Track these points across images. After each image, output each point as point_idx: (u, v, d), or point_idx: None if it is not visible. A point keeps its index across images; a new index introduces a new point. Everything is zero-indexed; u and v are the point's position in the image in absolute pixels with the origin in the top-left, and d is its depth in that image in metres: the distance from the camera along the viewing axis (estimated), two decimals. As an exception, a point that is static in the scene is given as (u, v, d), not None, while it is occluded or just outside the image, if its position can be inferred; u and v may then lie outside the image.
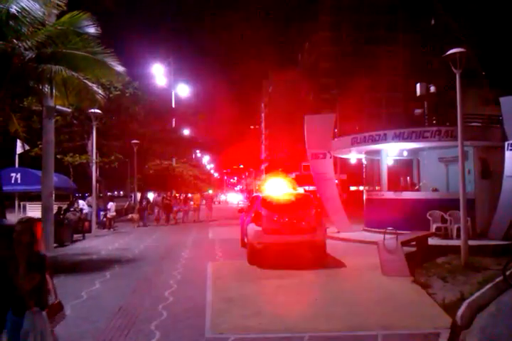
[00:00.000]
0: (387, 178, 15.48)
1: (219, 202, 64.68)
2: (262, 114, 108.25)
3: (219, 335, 5.19)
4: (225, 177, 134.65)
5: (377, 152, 15.73)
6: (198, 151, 60.33)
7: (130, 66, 12.41)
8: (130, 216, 22.77)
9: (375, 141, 14.70)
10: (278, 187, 11.18)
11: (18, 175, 15.51)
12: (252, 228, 9.79)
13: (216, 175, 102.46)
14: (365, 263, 9.58)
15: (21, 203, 16.94)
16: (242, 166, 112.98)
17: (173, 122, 38.67)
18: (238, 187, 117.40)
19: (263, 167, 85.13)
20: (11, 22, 10.56)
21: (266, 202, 10.06)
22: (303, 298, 6.90)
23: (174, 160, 39.25)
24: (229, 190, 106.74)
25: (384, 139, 14.46)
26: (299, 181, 23.19)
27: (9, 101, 11.31)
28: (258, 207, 9.98)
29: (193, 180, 43.89)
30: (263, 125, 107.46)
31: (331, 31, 66.76)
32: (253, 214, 10.01)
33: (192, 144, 46.61)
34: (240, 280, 8.25)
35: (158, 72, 36.39)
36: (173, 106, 39.82)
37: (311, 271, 8.95)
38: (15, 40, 10.48)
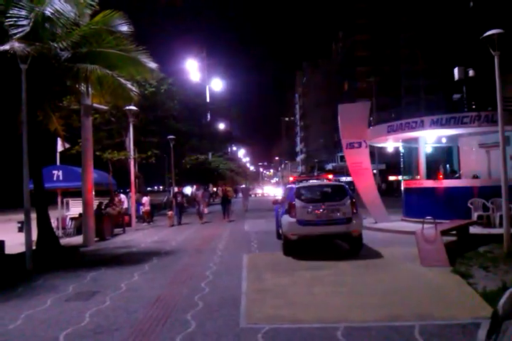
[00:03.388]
0: (426, 166, 15.09)
1: (255, 195, 64.90)
2: (297, 106, 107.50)
3: (253, 325, 5.23)
4: (261, 170, 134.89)
5: (415, 140, 15.34)
6: (233, 145, 60.61)
7: (164, 62, 12.61)
8: (169, 213, 20.44)
9: (412, 128, 14.34)
10: (312, 178, 11.10)
11: (60, 173, 16.03)
12: (286, 219, 9.78)
13: (252, 168, 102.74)
14: (403, 254, 9.41)
15: (64, 199, 17.55)
16: (277, 158, 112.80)
17: (208, 116, 39.01)
18: (274, 180, 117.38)
19: (298, 158, 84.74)
20: (46, 24, 10.91)
21: (300, 193, 10.01)
22: (338, 288, 6.85)
23: (210, 154, 39.66)
24: (265, 183, 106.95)
25: (421, 126, 14.07)
26: (334, 172, 22.97)
27: (48, 100, 11.69)
28: (292, 198, 9.95)
29: (229, 173, 44.27)
30: (297, 116, 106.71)
31: (367, 18, 65.27)
32: (287, 206, 9.99)
33: (227, 138, 46.90)
34: (274, 271, 8.28)
35: (192, 68, 36.73)
36: (208, 100, 40.11)
37: (346, 262, 8.87)
38: (51, 42, 10.84)
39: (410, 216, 14.71)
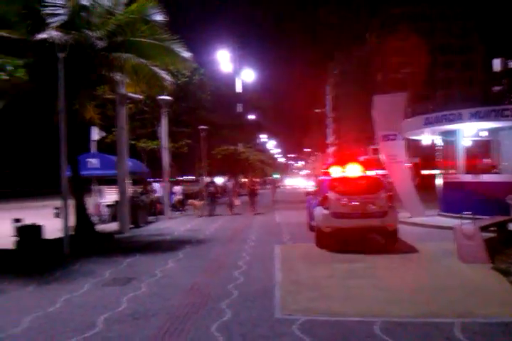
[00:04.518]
0: (464, 160, 14.63)
1: (285, 187, 64.80)
2: (328, 97, 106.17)
3: (288, 316, 5.19)
4: (290, 162, 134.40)
5: (453, 133, 14.87)
6: (263, 136, 60.52)
7: (196, 53, 12.55)
8: (190, 201, 20.62)
9: (449, 120, 13.89)
10: (346, 171, 10.92)
11: (95, 161, 16.34)
12: (320, 211, 9.66)
13: (281, 159, 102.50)
14: (440, 249, 9.16)
15: (99, 187, 17.89)
16: (307, 150, 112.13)
17: (239, 107, 39.01)
18: (303, 172, 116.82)
19: (330, 150, 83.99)
20: (82, 13, 11.03)
21: (334, 185, 9.86)
22: (373, 282, 6.72)
23: (240, 145, 39.72)
24: (294, 175, 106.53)
25: (459, 119, 13.62)
26: (368, 165, 22.57)
27: (85, 89, 11.87)
28: (326, 190, 9.81)
29: (259, 164, 44.27)
30: (328, 108, 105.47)
31: (403, 8, 63.58)
32: (321, 198, 9.87)
33: (257, 129, 46.87)
34: (308, 263, 8.21)
35: (223, 58, 36.64)
36: (239, 91, 40.08)
37: (382, 256, 8.71)
38: (87, 31, 10.96)
39: (447, 211, 14.32)
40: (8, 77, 8.17)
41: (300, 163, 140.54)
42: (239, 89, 38.60)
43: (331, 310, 5.40)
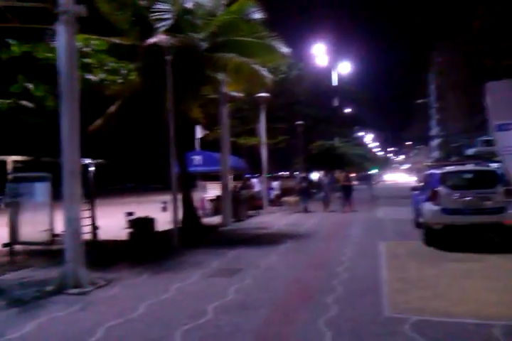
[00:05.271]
0: None
1: (384, 182, 62.51)
2: (431, 86, 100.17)
3: (399, 315, 4.98)
4: (390, 156, 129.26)
5: None
6: (361, 129, 58.85)
7: (291, 46, 12.51)
8: (283, 199, 20.78)
9: None
10: (456, 163, 10.21)
11: (199, 157, 17.16)
12: (429, 207, 9.14)
13: (380, 153, 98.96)
14: None
15: (202, 182, 18.74)
16: (408, 143, 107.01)
17: (336, 101, 38.32)
18: (404, 166, 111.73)
19: (434, 143, 79.34)
20: (186, 16, 11.57)
21: (444, 179, 9.26)
22: (490, 283, 6.20)
23: (337, 139, 39.03)
24: (394, 169, 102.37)
25: None
26: (478, 157, 20.88)
27: (191, 89, 12.45)
28: (435, 184, 9.25)
29: (356, 159, 43.15)
30: (432, 98, 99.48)
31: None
32: (430, 193, 9.32)
33: (355, 122, 45.66)
34: (416, 261, 7.82)
35: (319, 51, 36.20)
36: (335, 84, 39.37)
37: (497, 256, 8.00)
38: (191, 33, 11.48)
39: None
40: (123, 81, 8.85)
41: (401, 157, 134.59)
42: (335, 82, 37.92)
43: (444, 310, 5.09)
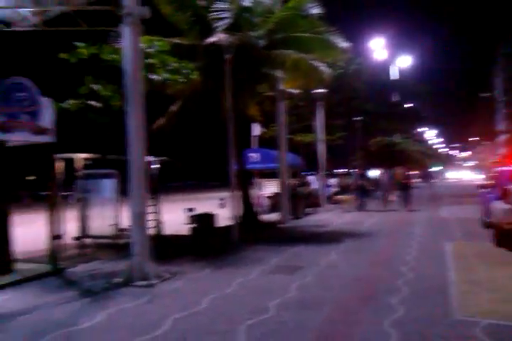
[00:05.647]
0: None
1: (446, 180, 59.94)
2: (498, 79, 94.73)
3: (468, 318, 4.76)
4: (453, 152, 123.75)
5: None
6: (422, 125, 56.68)
7: (349, 41, 12.27)
8: (337, 197, 20.68)
9: None
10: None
11: (256, 155, 17.25)
12: (499, 206, 8.64)
13: (443, 150, 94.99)
14: None
15: (259, 180, 18.83)
16: (473, 139, 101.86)
17: (396, 96, 37.13)
18: (468, 163, 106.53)
19: (501, 138, 74.99)
20: (244, 14, 11.65)
21: (517, 177, 8.73)
22: None
23: (397, 135, 37.86)
24: (458, 166, 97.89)
25: None
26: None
27: (248, 87, 12.54)
28: (506, 182, 8.73)
29: (417, 156, 41.65)
30: (498, 91, 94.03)
31: None
32: (500, 191, 8.81)
33: (416, 118, 44.04)
34: (485, 262, 7.42)
35: (377, 45, 35.26)
36: (395, 78, 38.16)
37: None
38: (249, 31, 11.54)
39: None
40: (185, 80, 9.06)
41: (465, 154, 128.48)
42: (395, 76, 36.78)
43: (519, 315, 4.80)
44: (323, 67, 11.80)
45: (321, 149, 20.32)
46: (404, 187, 18.02)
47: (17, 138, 7.26)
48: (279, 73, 12.49)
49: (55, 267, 7.72)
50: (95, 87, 8.70)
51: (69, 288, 6.68)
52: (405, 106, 40.80)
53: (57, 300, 5.99)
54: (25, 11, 7.73)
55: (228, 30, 10.89)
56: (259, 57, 11.60)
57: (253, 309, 5.26)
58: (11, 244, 7.53)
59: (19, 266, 7.64)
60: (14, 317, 5.28)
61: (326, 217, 15.69)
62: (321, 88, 18.20)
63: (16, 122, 7.06)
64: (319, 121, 20.32)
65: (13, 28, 8.12)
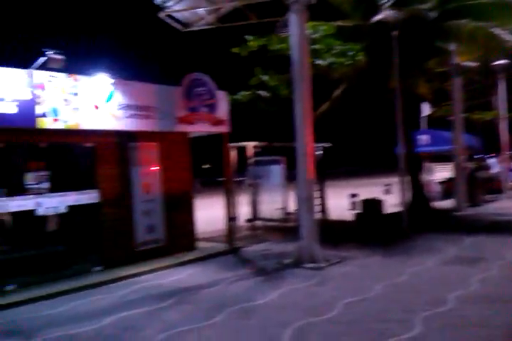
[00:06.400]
0: None
1: None
2: None
3: None
4: None
5: None
6: None
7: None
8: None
9: None
10: None
11: (426, 137, 16.08)
12: None
13: None
14: None
15: (427, 164, 17.54)
16: None
17: None
18: None
19: None
20: None
21: None
22: None
23: None
24: None
25: None
26: None
27: (417, 64, 11.72)
28: None
29: None
30: None
31: None
32: None
33: None
34: None
35: None
36: None
37: None
38: (417, 5, 10.73)
39: None
40: (351, 62, 8.88)
41: None
42: None
43: None
44: (504, 35, 10.35)
45: (504, 128, 17.99)
46: None
47: (199, 129, 8.05)
48: (452, 46, 11.39)
49: (231, 246, 8.43)
50: (264, 77, 9.11)
51: (243, 266, 7.23)
52: None
53: (234, 276, 6.53)
54: (202, 11, 8.44)
55: (395, 6, 10.30)
56: (430, 31, 10.72)
57: (430, 300, 4.98)
58: (194, 225, 8.44)
59: (201, 244, 8.54)
60: (198, 290, 5.92)
61: (510, 205, 13.91)
62: (502, 59, 16.04)
63: (197, 115, 7.83)
64: (501, 95, 17.98)
65: (190, 28, 8.96)
